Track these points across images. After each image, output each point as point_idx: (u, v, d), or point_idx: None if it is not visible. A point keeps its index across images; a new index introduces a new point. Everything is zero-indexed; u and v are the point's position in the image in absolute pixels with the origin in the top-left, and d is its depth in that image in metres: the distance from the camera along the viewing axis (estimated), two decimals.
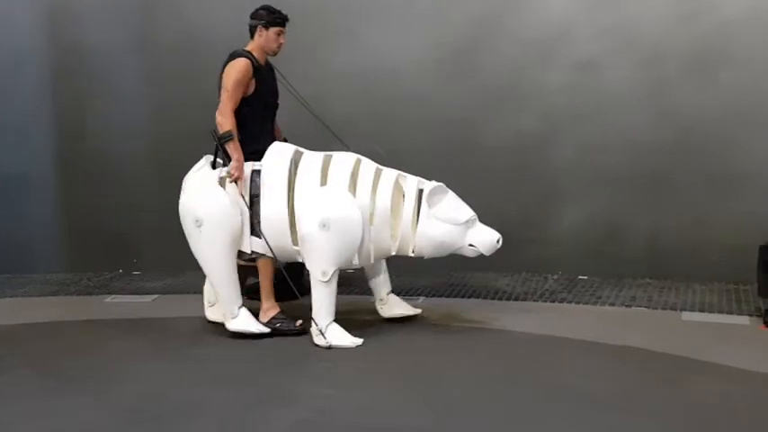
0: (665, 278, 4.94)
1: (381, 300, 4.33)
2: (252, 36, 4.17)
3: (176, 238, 5.89)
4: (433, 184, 3.98)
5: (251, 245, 4.05)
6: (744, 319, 4.18)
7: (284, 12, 4.16)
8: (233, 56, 4.11)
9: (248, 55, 4.10)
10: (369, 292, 4.42)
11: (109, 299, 5.13)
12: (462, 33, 5.27)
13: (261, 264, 4.13)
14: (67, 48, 5.79)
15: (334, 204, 3.89)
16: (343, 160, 4.04)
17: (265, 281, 4.15)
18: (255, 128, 4.13)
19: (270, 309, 4.15)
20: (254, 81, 4.10)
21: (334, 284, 3.95)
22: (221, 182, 4.03)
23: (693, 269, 4.88)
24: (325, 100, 5.62)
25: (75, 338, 4.26)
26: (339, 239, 3.86)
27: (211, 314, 4.39)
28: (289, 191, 4.01)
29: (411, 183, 4.02)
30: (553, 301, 4.68)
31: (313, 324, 3.96)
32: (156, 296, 5.15)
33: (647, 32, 4.95)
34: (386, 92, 5.39)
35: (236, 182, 3.98)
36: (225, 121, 3.99)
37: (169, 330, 4.36)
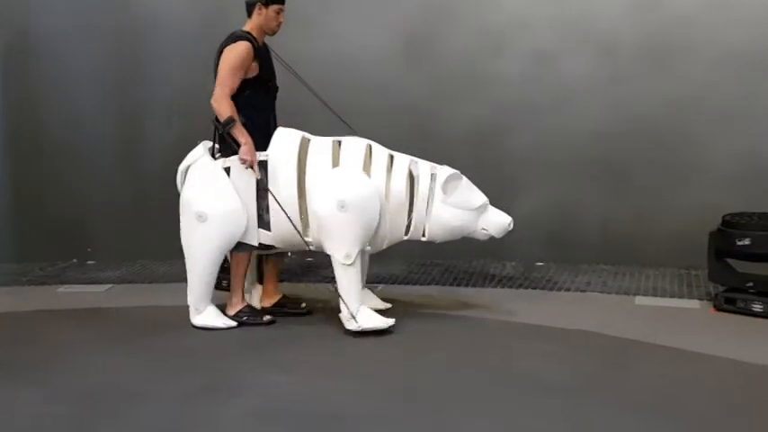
0: (620, 263, 5.03)
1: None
2: (249, 15, 3.97)
3: (131, 226, 5.81)
4: (448, 170, 3.92)
5: (258, 237, 3.96)
6: (695, 303, 4.29)
7: None
8: (232, 38, 3.91)
9: (248, 36, 3.92)
10: (327, 279, 4.40)
11: (62, 288, 5.02)
12: (419, 22, 5.28)
13: (236, 258, 4.05)
14: (19, 31, 5.63)
15: (349, 184, 3.80)
16: (354, 145, 3.95)
17: (238, 275, 4.09)
18: (259, 114, 3.98)
19: (237, 303, 4.11)
20: (255, 64, 3.93)
21: (358, 266, 3.85)
22: (227, 172, 3.92)
23: (647, 255, 4.98)
24: (281, 87, 5.56)
25: (27, 329, 4.15)
26: (358, 219, 3.78)
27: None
28: (298, 179, 3.89)
29: (424, 168, 3.96)
30: (510, 287, 4.74)
31: (343, 309, 3.85)
32: (110, 286, 5.05)
33: (602, 23, 5.01)
34: (342, 79, 5.35)
35: (251, 167, 3.86)
36: (222, 107, 3.83)
37: (123, 320, 4.28)
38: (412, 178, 3.95)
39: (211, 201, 3.90)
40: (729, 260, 4.14)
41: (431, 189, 3.91)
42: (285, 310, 4.21)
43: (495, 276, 4.94)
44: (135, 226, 5.73)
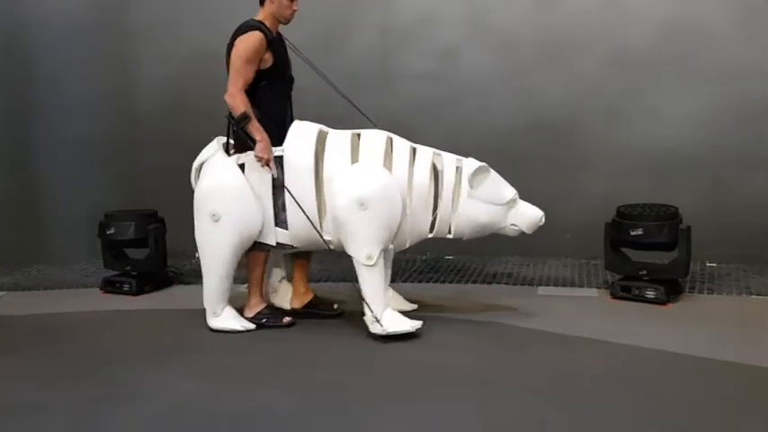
0: (524, 255, 5.18)
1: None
2: (262, 3, 3.81)
3: (25, 230, 5.52)
4: (474, 163, 3.75)
5: (276, 236, 3.80)
6: (593, 292, 4.46)
7: None
8: (243, 28, 3.74)
9: (260, 26, 3.75)
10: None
11: None
12: (325, 19, 5.25)
13: (252, 258, 3.90)
14: None
15: (369, 181, 3.63)
16: (374, 138, 3.77)
17: (254, 276, 3.94)
18: (274, 107, 3.81)
19: (256, 304, 3.96)
20: (269, 54, 3.75)
21: (381, 267, 3.68)
22: (242, 168, 3.75)
23: (549, 246, 5.14)
24: (184, 82, 5.44)
25: None
26: (380, 218, 3.62)
27: (275, 300, 4.14)
28: (316, 175, 3.73)
29: (448, 160, 3.77)
30: (420, 281, 4.80)
31: (367, 312, 3.70)
32: (3, 293, 4.81)
33: (504, 21, 5.14)
34: None
35: (267, 164, 3.69)
36: (236, 102, 3.67)
37: (17, 329, 4.07)
38: (436, 172, 3.79)
39: (226, 199, 3.74)
40: (624, 250, 4.33)
41: (456, 183, 3.74)
42: (316, 311, 4.06)
43: (406, 271, 4.99)
44: (28, 230, 5.46)
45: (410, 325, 3.66)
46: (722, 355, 3.34)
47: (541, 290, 4.55)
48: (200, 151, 5.90)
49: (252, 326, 3.91)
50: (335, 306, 4.09)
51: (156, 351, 3.68)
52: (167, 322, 4.19)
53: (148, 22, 5.58)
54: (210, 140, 4.00)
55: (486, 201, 3.73)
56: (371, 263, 3.65)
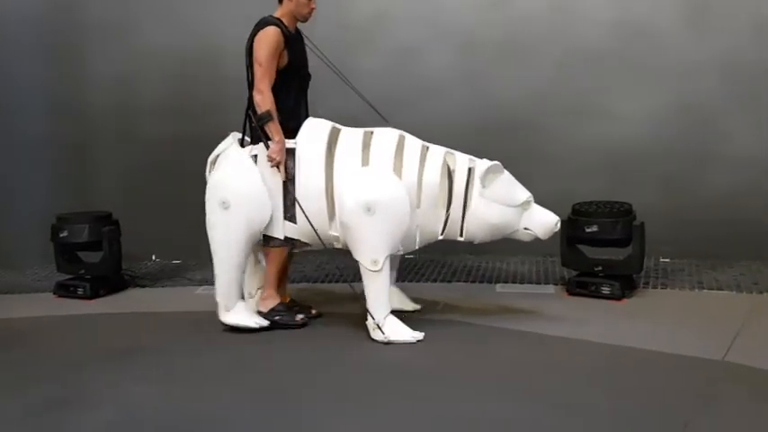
0: (483, 254, 5.21)
1: None
2: (280, 1, 3.80)
3: None
4: (487, 162, 3.69)
5: (284, 230, 3.73)
6: (550, 288, 4.52)
7: None
8: (261, 24, 3.73)
9: (278, 22, 3.74)
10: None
11: None
12: None
13: (270, 253, 3.84)
14: None
15: (378, 186, 3.59)
16: (386, 137, 3.73)
17: (273, 268, 3.86)
18: (289, 103, 3.79)
19: (270, 297, 3.88)
20: (285, 51, 3.74)
21: (386, 273, 3.63)
22: (255, 160, 3.70)
23: (507, 244, 5.15)
24: (134, 81, 5.35)
25: None
26: (387, 223, 3.57)
27: (252, 306, 4.00)
28: (327, 171, 3.68)
29: (461, 160, 3.71)
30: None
31: (369, 318, 3.66)
32: None
33: (461, 21, 5.17)
34: (204, 73, 5.22)
35: (277, 167, 3.64)
36: (264, 99, 3.64)
37: None
38: (448, 171, 3.72)
39: (236, 188, 3.69)
40: (580, 246, 4.40)
41: (469, 183, 3.66)
42: (279, 321, 3.93)
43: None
44: None
45: (411, 335, 3.62)
46: (676, 349, 3.41)
47: (500, 287, 4.60)
48: (155, 151, 5.83)
49: (265, 322, 3.85)
50: (313, 311, 4.06)
51: (110, 355, 3.61)
52: (123, 326, 4.13)
53: (101, 20, 5.47)
54: (226, 135, 3.95)
55: (499, 201, 3.66)
56: (377, 268, 3.60)
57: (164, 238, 5.52)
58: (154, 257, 5.56)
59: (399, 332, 3.62)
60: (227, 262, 3.77)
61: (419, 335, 3.63)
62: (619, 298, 4.19)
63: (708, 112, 4.92)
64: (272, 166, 3.68)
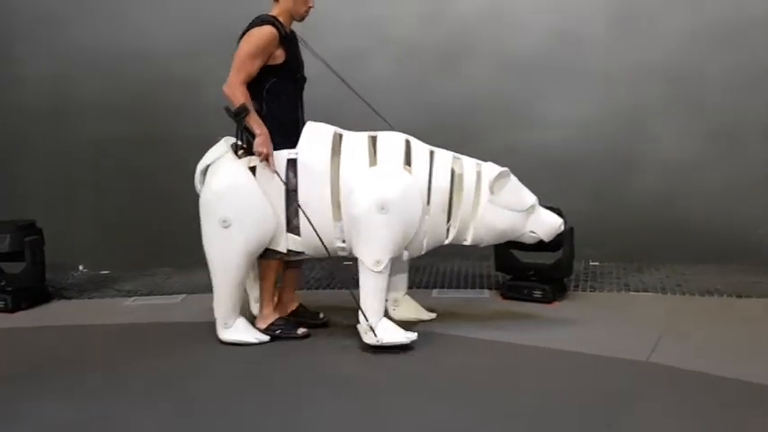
0: (418, 259, 5.20)
1: (396, 301, 3.98)
2: None
3: None
4: (495, 168, 3.64)
5: (287, 243, 3.58)
6: (485, 293, 4.57)
7: None
8: (257, 21, 3.59)
9: (274, 21, 3.60)
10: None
11: None
12: (220, 19, 5.14)
13: (264, 266, 3.70)
14: None
15: (391, 183, 3.49)
16: (392, 140, 3.64)
17: (268, 284, 3.73)
18: (284, 107, 3.64)
19: (269, 315, 3.76)
20: (281, 51, 3.60)
21: (386, 275, 3.55)
22: (253, 171, 3.52)
23: (443, 249, 5.19)
24: (62, 83, 5.21)
25: None
26: (398, 224, 3.48)
27: (257, 310, 3.89)
28: (333, 179, 3.56)
29: (468, 165, 3.66)
30: (318, 288, 4.76)
31: (361, 320, 3.55)
32: None
33: (400, 28, 5.19)
34: (136, 75, 5.11)
35: (266, 159, 3.48)
36: (235, 93, 3.48)
37: None
38: (455, 176, 3.68)
39: (237, 204, 3.51)
40: (513, 251, 4.45)
41: (476, 188, 3.63)
42: (301, 320, 3.90)
43: (309, 280, 4.91)
44: None
45: (405, 336, 3.55)
46: (602, 351, 3.49)
47: (436, 292, 4.62)
48: (84, 156, 5.65)
49: (266, 338, 3.75)
50: (321, 315, 3.99)
51: (29, 372, 3.47)
52: (44, 341, 3.97)
53: (31, 19, 5.28)
54: (218, 140, 3.77)
55: (507, 207, 3.63)
56: (378, 269, 3.53)
57: (92, 247, 5.36)
58: (81, 267, 5.38)
59: (392, 334, 3.55)
60: (227, 280, 3.65)
61: (413, 335, 3.57)
62: (550, 301, 4.27)
63: (636, 117, 5.07)
64: (261, 160, 3.54)
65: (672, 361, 3.34)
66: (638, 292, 4.47)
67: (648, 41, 4.99)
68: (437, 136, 5.19)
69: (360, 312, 3.58)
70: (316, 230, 3.57)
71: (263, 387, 3.26)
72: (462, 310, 4.22)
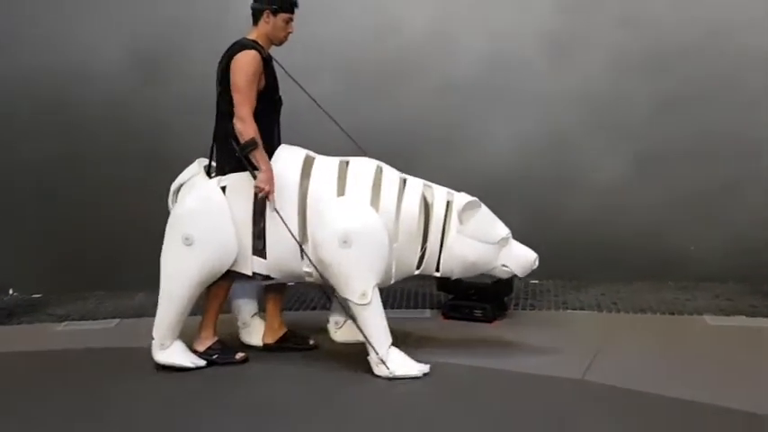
0: None
1: (337, 323, 3.92)
2: (255, 22, 3.62)
3: None
4: (465, 197, 3.59)
5: (252, 266, 3.47)
6: (427, 313, 4.59)
7: None
8: (238, 47, 3.53)
9: (255, 45, 3.55)
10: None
11: None
12: (154, 36, 5.07)
13: (214, 289, 3.59)
14: None
15: (352, 215, 3.45)
16: (363, 168, 3.60)
17: (214, 305, 3.63)
18: (266, 131, 3.57)
19: (207, 338, 3.66)
20: (263, 75, 3.56)
21: (378, 303, 3.49)
22: (223, 191, 3.44)
23: None
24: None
25: None
26: (366, 255, 3.43)
27: (246, 336, 3.84)
28: (300, 202, 3.52)
29: (439, 194, 3.61)
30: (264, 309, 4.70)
31: (371, 353, 3.50)
32: None
33: (341, 48, 5.20)
34: (72, 93, 4.99)
35: (266, 197, 3.39)
36: (246, 127, 3.42)
37: None
38: (426, 205, 3.64)
39: (202, 224, 3.44)
40: None
41: (446, 218, 3.57)
42: (290, 345, 3.84)
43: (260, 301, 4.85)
44: None
45: (418, 369, 3.51)
46: (538, 369, 3.54)
47: None
48: (16, 176, 5.49)
49: (202, 362, 3.66)
50: (311, 341, 3.94)
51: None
52: None
53: None
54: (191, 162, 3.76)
55: (476, 238, 3.57)
56: (366, 301, 3.47)
57: (23, 270, 5.18)
58: (11, 291, 5.19)
59: (405, 367, 3.50)
60: (175, 300, 3.57)
61: (425, 367, 3.53)
62: (490, 320, 4.32)
63: (570, 139, 5.19)
64: (261, 197, 3.49)
65: (606, 379, 3.41)
66: (575, 309, 4.56)
67: (581, 67, 5.13)
68: (375, 158, 5.24)
69: (368, 346, 3.54)
70: (293, 235, 3.51)
71: (197, 413, 3.19)
72: (403, 330, 4.22)
